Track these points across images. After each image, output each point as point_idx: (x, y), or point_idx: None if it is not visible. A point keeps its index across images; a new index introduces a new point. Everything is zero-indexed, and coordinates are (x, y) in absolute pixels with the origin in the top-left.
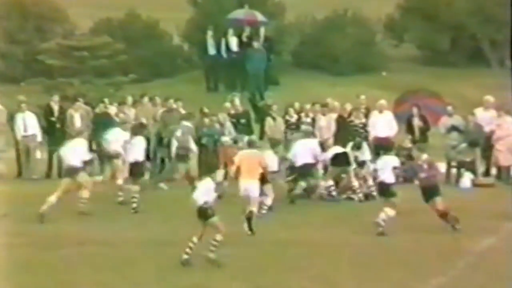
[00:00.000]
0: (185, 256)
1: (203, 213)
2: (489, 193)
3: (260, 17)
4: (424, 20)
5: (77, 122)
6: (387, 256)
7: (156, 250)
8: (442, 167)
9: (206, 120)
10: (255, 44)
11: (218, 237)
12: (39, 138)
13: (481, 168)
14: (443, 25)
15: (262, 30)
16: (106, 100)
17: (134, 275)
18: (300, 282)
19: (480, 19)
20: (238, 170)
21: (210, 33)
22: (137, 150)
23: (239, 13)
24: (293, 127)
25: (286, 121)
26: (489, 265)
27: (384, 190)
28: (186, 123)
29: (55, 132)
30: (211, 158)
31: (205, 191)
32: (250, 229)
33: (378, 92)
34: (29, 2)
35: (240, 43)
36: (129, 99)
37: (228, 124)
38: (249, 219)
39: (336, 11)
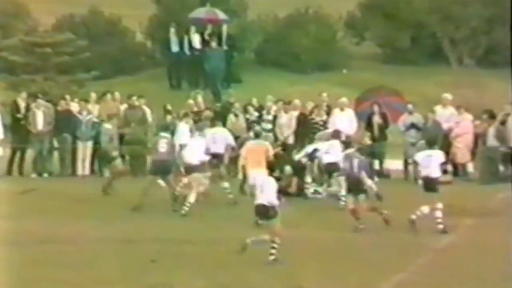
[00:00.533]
0: (272, 258)
1: (264, 212)
2: (447, 190)
3: (221, 15)
4: (385, 18)
5: (39, 119)
6: (349, 253)
7: (120, 248)
8: (398, 164)
9: (168, 118)
10: (213, 44)
11: (277, 239)
12: (1, 135)
13: None
14: (404, 23)
15: (224, 28)
16: (67, 97)
17: (98, 273)
18: (265, 279)
19: (440, 18)
20: (246, 161)
21: (172, 30)
22: None
23: (201, 12)
24: (254, 125)
25: (247, 119)
26: (449, 262)
27: (430, 185)
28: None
29: (20, 129)
30: None
31: None
32: None
33: (339, 90)
34: None
35: (203, 41)
36: (93, 96)
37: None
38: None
39: (298, 9)
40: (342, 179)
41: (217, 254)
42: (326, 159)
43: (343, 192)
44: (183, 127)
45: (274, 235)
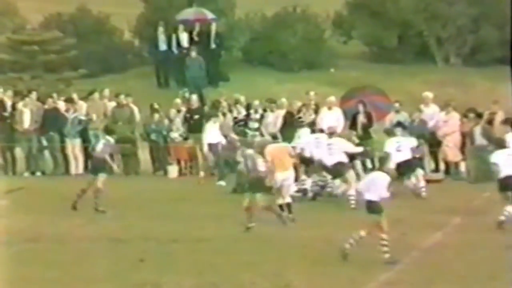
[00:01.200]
0: (347, 246)
1: (373, 207)
2: (438, 188)
3: (209, 14)
4: (372, 17)
5: (26, 118)
6: (336, 252)
7: (109, 247)
8: None
9: (156, 116)
10: (193, 54)
11: (384, 235)
12: None
13: (431, 164)
14: (390, 22)
15: (213, 27)
16: (54, 95)
17: (86, 272)
18: (252, 278)
19: (426, 17)
20: (272, 165)
21: (161, 29)
22: None
23: (188, 13)
24: (241, 124)
25: (234, 118)
26: (436, 260)
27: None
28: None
29: (6, 127)
30: (162, 155)
31: None
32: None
33: (327, 89)
34: None
35: (191, 40)
36: (75, 96)
37: (178, 120)
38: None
39: (285, 8)
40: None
41: (205, 253)
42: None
43: (352, 191)
44: (212, 127)
45: (382, 231)
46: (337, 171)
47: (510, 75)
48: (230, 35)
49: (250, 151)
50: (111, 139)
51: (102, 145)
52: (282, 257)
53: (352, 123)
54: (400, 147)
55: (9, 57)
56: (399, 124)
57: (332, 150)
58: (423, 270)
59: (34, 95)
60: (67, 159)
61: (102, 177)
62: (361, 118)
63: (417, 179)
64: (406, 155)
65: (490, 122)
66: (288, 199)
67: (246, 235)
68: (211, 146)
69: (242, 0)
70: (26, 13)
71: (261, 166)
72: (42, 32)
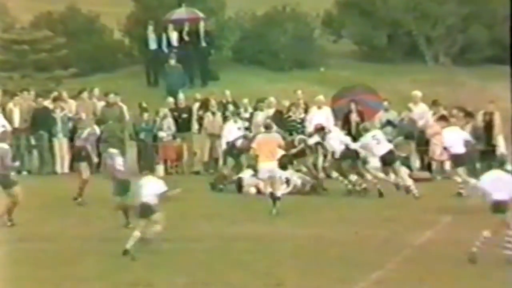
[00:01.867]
0: (474, 249)
1: (501, 207)
2: (426, 187)
3: (198, 13)
4: (362, 16)
5: (16, 116)
6: (327, 250)
7: (99, 246)
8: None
9: (145, 115)
10: (172, 62)
11: (511, 233)
12: None
13: (416, 162)
14: (380, 22)
15: (201, 26)
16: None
17: (77, 271)
18: (244, 277)
19: (416, 16)
20: (257, 154)
21: (151, 28)
22: None
23: (177, 13)
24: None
25: (225, 117)
26: (426, 258)
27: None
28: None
29: None
30: (150, 154)
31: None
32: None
33: (317, 88)
34: None
35: (181, 39)
36: (65, 94)
37: (169, 120)
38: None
39: (275, 7)
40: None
41: (196, 252)
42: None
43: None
44: (231, 126)
45: (508, 228)
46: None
47: (510, 74)
48: (220, 34)
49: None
50: (97, 129)
51: (87, 133)
52: (274, 256)
53: (344, 122)
54: (379, 140)
55: None
56: (388, 122)
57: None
58: (414, 268)
59: (31, 95)
60: (54, 158)
61: (82, 166)
62: (354, 117)
63: (398, 175)
64: (385, 147)
65: (489, 122)
66: (278, 193)
67: (238, 233)
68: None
69: None
70: (16, 12)
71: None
72: (32, 31)
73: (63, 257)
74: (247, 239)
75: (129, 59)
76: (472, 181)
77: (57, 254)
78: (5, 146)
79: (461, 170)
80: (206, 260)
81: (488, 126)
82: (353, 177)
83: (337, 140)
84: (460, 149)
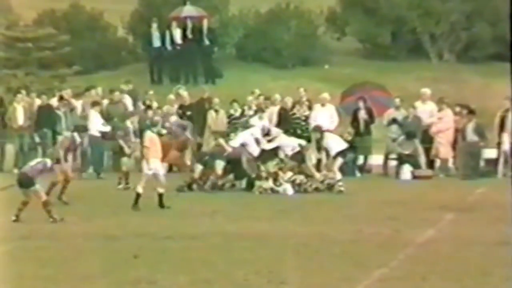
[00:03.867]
0: None
1: None
2: (429, 185)
3: (202, 12)
4: (365, 13)
5: (20, 114)
6: (330, 248)
7: (103, 244)
8: (379, 159)
9: (150, 112)
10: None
11: None
12: None
13: (423, 160)
14: (384, 19)
15: (205, 23)
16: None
17: (80, 269)
18: (246, 275)
19: (420, 13)
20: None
21: (154, 25)
22: None
23: (182, 10)
24: (236, 121)
25: (230, 115)
26: (429, 256)
27: None
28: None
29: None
30: None
31: None
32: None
33: (321, 85)
34: None
35: (184, 36)
36: (69, 92)
37: (174, 117)
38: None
39: (279, 4)
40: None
41: (199, 250)
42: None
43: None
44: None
45: None
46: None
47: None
48: (224, 31)
49: None
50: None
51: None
52: (277, 254)
53: (353, 119)
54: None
55: (3, 54)
56: (394, 121)
57: None
58: (417, 267)
59: (32, 96)
60: None
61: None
62: (362, 114)
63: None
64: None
65: (503, 119)
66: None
67: (240, 231)
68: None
69: None
70: (20, 10)
71: None
72: (35, 28)
73: (66, 255)
74: (250, 237)
75: (133, 56)
76: None
77: (60, 252)
78: None
79: None
80: (209, 258)
81: (502, 123)
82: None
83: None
84: None
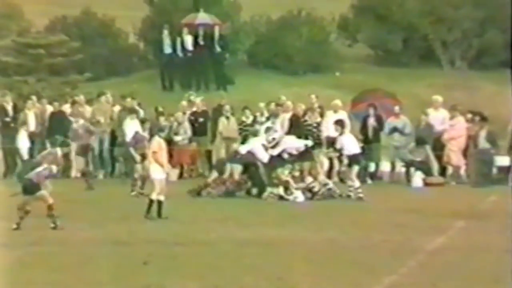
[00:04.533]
0: None
1: None
2: (440, 192)
3: (214, 19)
4: (377, 20)
5: (31, 121)
6: (340, 255)
7: (112, 250)
8: (386, 166)
9: (161, 119)
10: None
11: None
12: None
13: (435, 167)
14: (396, 26)
15: (216, 30)
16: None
17: (89, 275)
18: (256, 282)
19: (432, 20)
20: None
21: (166, 32)
22: None
23: (195, 18)
24: (247, 128)
25: (242, 122)
26: (440, 264)
27: None
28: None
29: (10, 131)
30: None
31: None
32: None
33: (332, 92)
34: None
35: (195, 43)
36: (82, 98)
37: (186, 124)
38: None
39: (290, 11)
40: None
41: (209, 256)
42: None
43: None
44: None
45: None
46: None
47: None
48: (235, 38)
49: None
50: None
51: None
52: (287, 260)
53: (362, 126)
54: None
55: (14, 60)
56: (395, 129)
57: None
58: (428, 274)
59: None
60: (69, 162)
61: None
62: (371, 121)
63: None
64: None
65: None
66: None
67: (250, 237)
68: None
69: (248, 3)
70: (32, 16)
71: None
72: (47, 35)
73: (75, 261)
74: (260, 243)
75: (144, 63)
76: None
77: (69, 258)
78: None
79: None
80: (219, 264)
81: None
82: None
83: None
84: None
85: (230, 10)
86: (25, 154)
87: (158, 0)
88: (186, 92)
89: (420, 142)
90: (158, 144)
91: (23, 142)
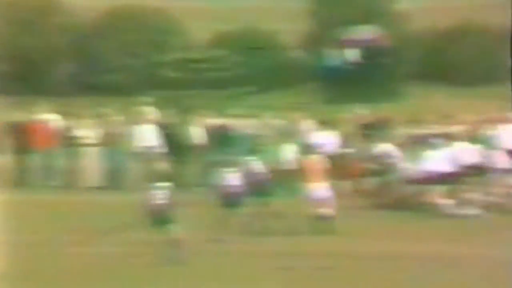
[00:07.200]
0: None
1: None
2: None
3: (377, 32)
4: None
5: (194, 135)
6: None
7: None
8: None
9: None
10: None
11: None
12: (159, 149)
13: None
14: None
15: (382, 42)
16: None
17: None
18: None
19: None
20: None
21: (329, 45)
22: None
23: (357, 32)
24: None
25: (411, 134)
26: None
27: None
28: None
29: (174, 145)
30: None
31: None
32: None
33: (505, 104)
34: (145, 14)
35: (360, 55)
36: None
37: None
38: None
39: (458, 21)
40: None
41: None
42: None
43: None
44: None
45: None
46: None
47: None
48: (402, 49)
49: None
50: None
51: None
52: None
53: None
54: None
55: (176, 75)
56: None
57: None
58: None
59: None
60: None
61: None
62: None
63: None
64: None
65: None
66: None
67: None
68: None
69: (414, 14)
70: (194, 32)
71: None
72: (209, 50)
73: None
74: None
75: (306, 75)
76: None
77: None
78: None
79: None
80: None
81: None
82: None
83: None
84: None
85: (396, 20)
86: None
87: (321, 14)
88: (348, 105)
89: None
90: (312, 161)
91: None
